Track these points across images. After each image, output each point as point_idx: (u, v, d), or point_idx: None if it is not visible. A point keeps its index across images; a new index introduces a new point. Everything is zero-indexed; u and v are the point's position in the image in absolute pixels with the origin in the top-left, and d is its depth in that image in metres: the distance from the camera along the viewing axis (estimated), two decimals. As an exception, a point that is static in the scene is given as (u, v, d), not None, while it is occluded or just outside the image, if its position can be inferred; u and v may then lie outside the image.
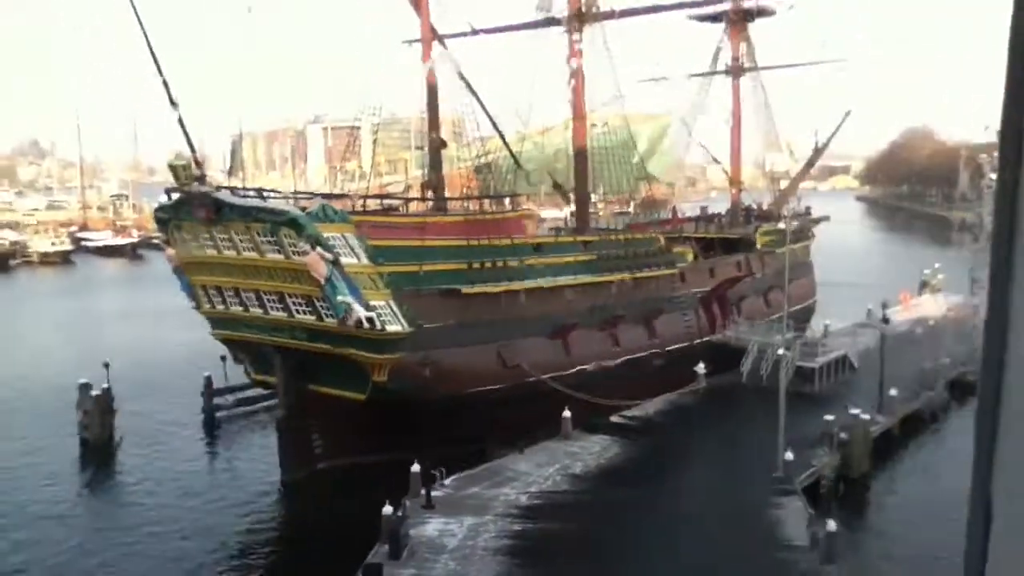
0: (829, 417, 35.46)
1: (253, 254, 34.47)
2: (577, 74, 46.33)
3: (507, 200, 45.00)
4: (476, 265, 37.29)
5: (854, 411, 35.76)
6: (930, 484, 34.54)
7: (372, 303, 33.62)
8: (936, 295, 68.09)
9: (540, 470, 33.18)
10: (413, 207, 43.81)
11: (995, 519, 1.25)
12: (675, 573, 24.67)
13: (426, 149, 44.32)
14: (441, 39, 43.12)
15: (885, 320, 44.46)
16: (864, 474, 34.98)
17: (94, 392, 40.20)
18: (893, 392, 39.84)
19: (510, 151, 48.49)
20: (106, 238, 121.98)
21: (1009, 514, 1.20)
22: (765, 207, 62.41)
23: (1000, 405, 1.29)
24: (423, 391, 33.65)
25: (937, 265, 72.32)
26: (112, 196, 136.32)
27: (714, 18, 59.72)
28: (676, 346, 45.23)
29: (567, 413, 36.50)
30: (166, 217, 37.37)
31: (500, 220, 40.43)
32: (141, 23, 31.72)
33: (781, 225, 55.45)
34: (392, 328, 33.91)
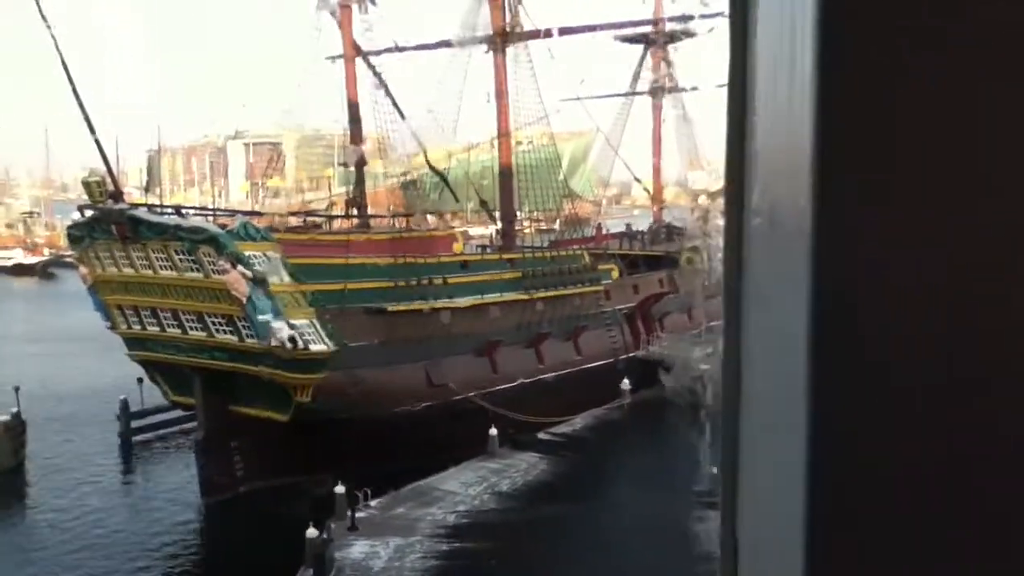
0: (750, 430, 36.15)
1: (171, 273, 33.70)
2: (501, 93, 46.59)
3: (430, 218, 44.92)
4: (402, 283, 37.07)
5: (774, 424, 36.53)
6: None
7: (295, 322, 33.12)
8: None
9: (467, 489, 33.03)
10: (337, 225, 43.41)
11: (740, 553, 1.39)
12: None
13: (349, 166, 44.03)
14: (365, 55, 42.93)
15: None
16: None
17: (2, 417, 38.53)
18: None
19: (434, 169, 48.43)
20: (16, 256, 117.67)
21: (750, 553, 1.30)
22: (687, 225, 63.56)
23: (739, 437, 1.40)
24: (348, 411, 33.20)
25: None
26: (23, 213, 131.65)
27: (637, 40, 60.83)
28: (601, 362, 45.60)
29: (493, 431, 36.45)
30: (80, 235, 36.33)
31: (426, 238, 40.31)
32: (57, 46, 30.99)
33: (700, 243, 56.59)
34: (316, 347, 33.43)
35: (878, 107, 0.77)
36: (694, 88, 62.78)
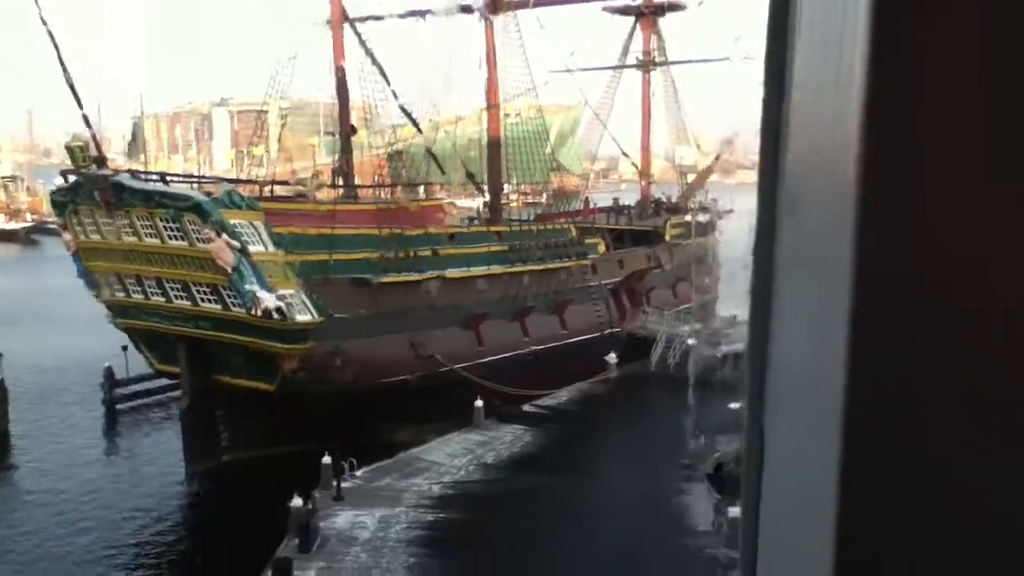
0: (734, 405, 36.36)
1: (155, 240, 33.44)
2: (490, 63, 46.23)
3: (420, 189, 44.68)
4: (388, 254, 36.93)
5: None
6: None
7: (281, 292, 32.99)
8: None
9: (452, 460, 33.15)
10: (323, 194, 43.09)
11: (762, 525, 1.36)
12: (585, 560, 24.99)
13: (336, 135, 43.66)
14: (352, 22, 42.43)
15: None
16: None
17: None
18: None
19: (424, 137, 48.10)
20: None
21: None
22: (674, 200, 63.55)
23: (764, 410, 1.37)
24: (334, 381, 33.19)
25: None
26: (3, 178, 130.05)
27: (626, 11, 60.38)
28: (587, 336, 45.71)
29: (479, 403, 36.55)
30: (63, 201, 35.96)
31: (413, 209, 40.12)
32: (41, 13, 30.59)
33: (688, 218, 56.65)
34: (302, 318, 33.33)
35: (935, 93, 0.75)
36: (684, 62, 62.54)
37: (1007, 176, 0.74)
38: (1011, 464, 0.76)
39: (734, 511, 26.05)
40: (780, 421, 1.27)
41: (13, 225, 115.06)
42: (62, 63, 31.91)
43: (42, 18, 30.87)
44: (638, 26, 60.49)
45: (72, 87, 32.33)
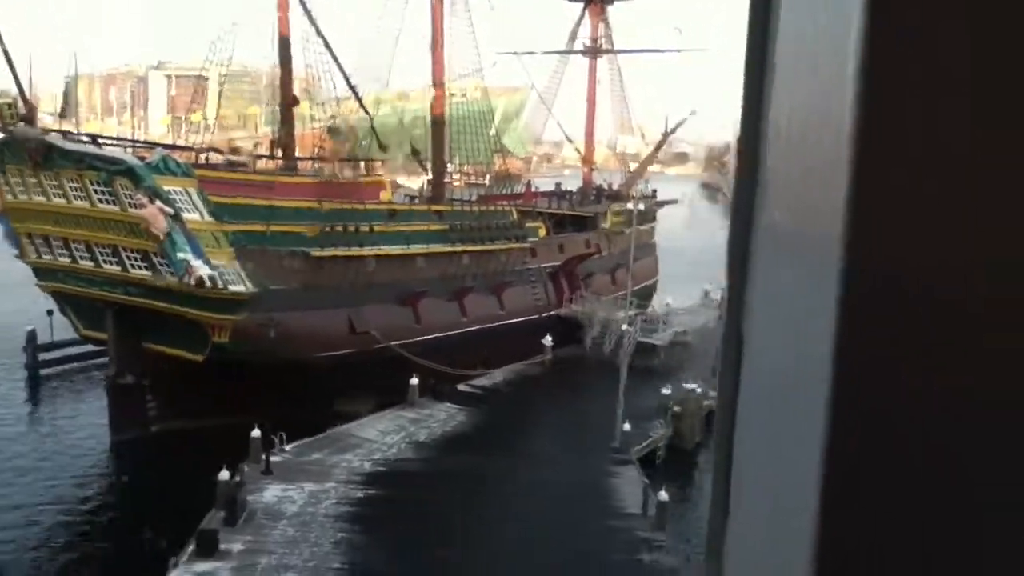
0: (666, 391, 36.91)
1: (84, 204, 32.54)
2: (437, 41, 45.85)
3: (362, 164, 44.21)
4: (327, 228, 36.48)
5: (689, 386, 37.37)
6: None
7: (214, 262, 32.38)
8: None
9: (385, 437, 33.01)
10: (261, 165, 42.33)
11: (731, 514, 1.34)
12: (514, 539, 25.13)
13: (277, 106, 42.87)
14: (299, -9, 41.59)
15: (720, 299, 46.57)
16: (696, 445, 36.68)
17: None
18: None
19: (367, 112, 47.53)
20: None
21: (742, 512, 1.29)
22: (615, 188, 63.97)
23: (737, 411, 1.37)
24: (266, 354, 32.70)
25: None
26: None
27: (575, -4, 60.36)
28: (524, 318, 45.84)
29: (414, 380, 36.43)
30: (-11, 158, 34.70)
31: (354, 184, 39.68)
32: None
33: (629, 206, 57.09)
34: (235, 288, 32.78)
35: (932, 88, 0.73)
36: (632, 51, 62.85)
37: (1001, 168, 0.73)
38: (999, 462, 0.75)
39: (663, 495, 26.48)
40: (755, 416, 1.24)
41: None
42: None
43: None
44: (587, 12, 60.56)
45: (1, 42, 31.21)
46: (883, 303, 0.75)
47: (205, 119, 56.52)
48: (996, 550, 0.76)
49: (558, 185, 66.72)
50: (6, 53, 31.49)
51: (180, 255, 31.91)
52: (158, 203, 31.58)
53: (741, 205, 1.28)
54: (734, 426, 1.29)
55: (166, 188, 31.91)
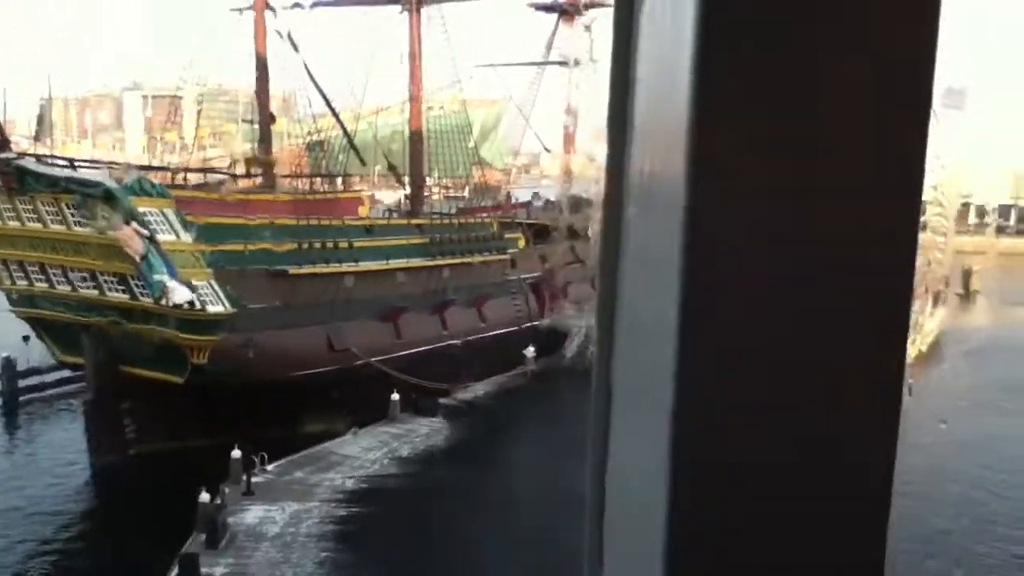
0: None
1: (60, 227, 32.35)
2: (413, 55, 45.96)
3: (339, 180, 44.22)
4: (305, 245, 36.41)
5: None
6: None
7: (192, 282, 32.25)
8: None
9: (367, 454, 32.89)
10: (239, 183, 42.23)
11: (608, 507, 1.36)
12: (499, 553, 25.05)
13: (254, 123, 42.82)
14: (273, 9, 41.67)
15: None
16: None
17: None
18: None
19: (344, 129, 47.54)
20: None
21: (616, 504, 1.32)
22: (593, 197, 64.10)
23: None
24: (246, 374, 32.53)
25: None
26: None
27: (550, 8, 60.67)
28: (505, 330, 45.84)
29: (395, 395, 36.34)
30: (-39, 184, 34.46)
31: (331, 200, 39.65)
32: None
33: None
34: (213, 309, 32.64)
35: (760, 86, 0.78)
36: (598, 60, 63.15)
37: (803, 183, 0.78)
38: (836, 451, 0.81)
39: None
40: (623, 415, 1.29)
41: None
42: None
43: None
44: (560, 23, 60.84)
45: None
46: (718, 309, 0.79)
47: (182, 138, 56.40)
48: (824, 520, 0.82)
49: (535, 195, 66.86)
50: None
51: (156, 277, 31.79)
52: (134, 224, 31.46)
53: (609, 202, 1.31)
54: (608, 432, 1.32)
55: (142, 209, 31.80)
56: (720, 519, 0.83)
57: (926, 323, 52.17)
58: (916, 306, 53.04)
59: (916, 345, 52.30)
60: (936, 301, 54.73)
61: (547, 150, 66.08)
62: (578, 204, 62.91)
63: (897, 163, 0.79)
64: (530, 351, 44.55)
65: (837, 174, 0.78)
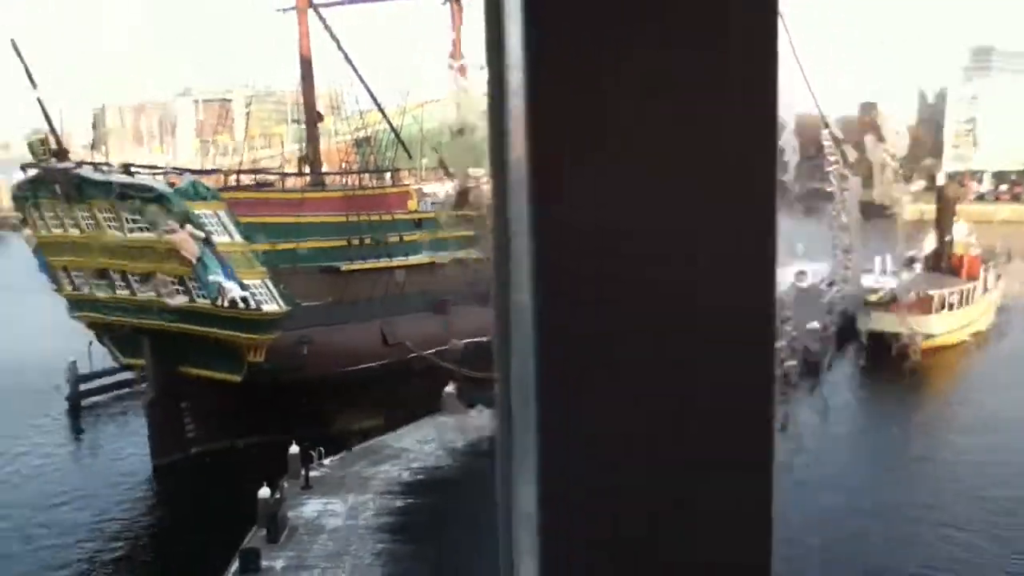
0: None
1: (118, 233, 33.15)
2: (457, 48, 46.01)
3: (387, 175, 44.53)
4: (355, 241, 36.79)
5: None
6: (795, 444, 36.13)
7: (246, 282, 32.81)
8: (799, 264, 70.54)
9: (422, 446, 33.21)
10: (289, 183, 42.82)
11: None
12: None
13: (301, 123, 43.33)
14: (316, 8, 42.06)
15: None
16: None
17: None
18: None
19: (390, 124, 47.83)
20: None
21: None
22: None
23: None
24: (301, 371, 33.05)
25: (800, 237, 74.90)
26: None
27: None
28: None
29: (449, 388, 36.56)
30: (24, 195, 35.56)
31: (380, 195, 39.98)
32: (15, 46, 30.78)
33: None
34: (268, 307, 33.18)
35: (587, 104, 0.77)
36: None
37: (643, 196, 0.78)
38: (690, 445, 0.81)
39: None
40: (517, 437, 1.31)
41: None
42: (18, 52, 31.78)
43: (13, 44, 31.19)
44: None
45: (30, 76, 32.13)
46: (568, 318, 0.80)
47: (232, 141, 57.38)
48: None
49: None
50: (39, 99, 32.49)
51: (212, 278, 32.38)
52: (189, 227, 32.07)
53: (496, 200, 1.33)
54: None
55: (196, 212, 32.40)
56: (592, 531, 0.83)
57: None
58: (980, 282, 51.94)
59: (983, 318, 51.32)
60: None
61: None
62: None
63: (742, 182, 0.78)
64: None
65: (683, 181, 0.78)
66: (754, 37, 0.76)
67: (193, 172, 39.82)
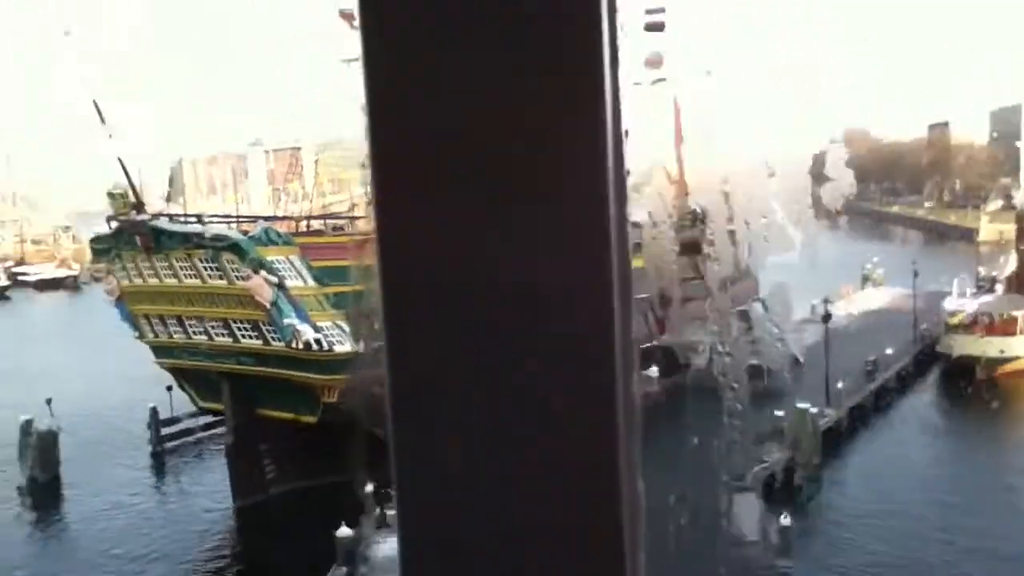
0: (778, 412, 35.92)
1: (195, 281, 34.09)
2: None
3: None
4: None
5: (802, 405, 36.25)
6: (878, 475, 35.17)
7: (319, 324, 33.39)
8: (878, 288, 69.37)
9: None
10: (359, 226, 43.56)
11: None
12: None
13: (365, 167, 44.14)
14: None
15: (827, 315, 45.15)
16: (814, 467, 35.47)
17: (38, 428, 38.87)
18: (840, 385, 40.49)
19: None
20: (47, 271, 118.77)
21: None
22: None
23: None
24: (375, 410, 33.29)
25: (876, 259, 73.70)
26: (57, 228, 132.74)
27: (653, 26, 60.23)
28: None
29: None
30: (104, 247, 36.87)
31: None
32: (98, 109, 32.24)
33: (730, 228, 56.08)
34: (340, 348, 33.67)
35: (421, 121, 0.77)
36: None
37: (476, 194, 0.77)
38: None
39: (783, 520, 25.73)
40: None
41: (61, 273, 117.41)
42: (99, 113, 33.18)
43: (96, 106, 32.55)
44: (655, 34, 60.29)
45: (110, 136, 33.52)
46: (408, 323, 0.79)
47: (303, 188, 58.69)
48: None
49: (650, 213, 66.01)
50: (118, 155, 33.83)
51: (286, 321, 33.03)
52: (263, 273, 32.83)
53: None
54: None
55: (269, 258, 33.18)
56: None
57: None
58: None
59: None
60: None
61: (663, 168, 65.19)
62: (694, 218, 61.96)
63: (576, 219, 0.76)
64: (653, 371, 43.95)
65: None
66: (584, 62, 0.75)
67: (265, 219, 40.86)
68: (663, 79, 52.68)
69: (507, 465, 0.79)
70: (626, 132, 0.82)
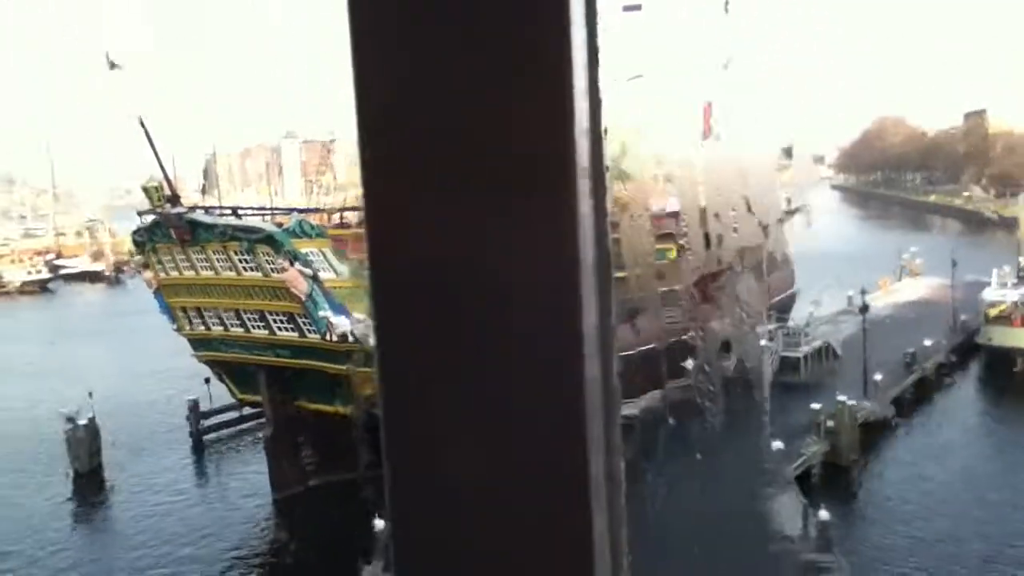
0: (816, 405, 35.57)
1: (231, 273, 34.31)
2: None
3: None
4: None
5: (840, 398, 35.88)
6: (919, 467, 34.73)
7: (355, 316, 33.48)
8: (915, 279, 68.46)
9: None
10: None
11: None
12: (670, 567, 24.61)
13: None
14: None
15: (865, 306, 44.59)
16: (853, 460, 35.12)
17: (80, 422, 39.41)
18: (878, 377, 40.01)
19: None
20: (83, 264, 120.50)
21: None
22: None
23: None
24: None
25: (914, 249, 72.66)
26: (89, 220, 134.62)
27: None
28: (659, 343, 45.13)
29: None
30: (142, 240, 37.21)
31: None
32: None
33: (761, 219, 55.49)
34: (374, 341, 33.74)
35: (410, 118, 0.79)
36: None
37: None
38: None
39: (823, 514, 25.47)
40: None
41: (98, 266, 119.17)
42: (146, 132, 33.62)
43: (140, 121, 32.96)
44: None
45: (148, 136, 33.77)
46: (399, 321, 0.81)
47: (335, 179, 58.91)
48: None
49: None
50: (151, 141, 33.98)
51: (321, 313, 33.15)
52: (297, 265, 32.97)
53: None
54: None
55: (303, 250, 33.30)
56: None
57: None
58: None
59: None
60: None
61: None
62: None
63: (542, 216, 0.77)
64: (690, 363, 43.63)
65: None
66: (548, 62, 0.76)
67: (299, 211, 40.99)
68: (640, 76, 51.72)
69: (493, 465, 0.80)
70: (605, 130, 0.84)
